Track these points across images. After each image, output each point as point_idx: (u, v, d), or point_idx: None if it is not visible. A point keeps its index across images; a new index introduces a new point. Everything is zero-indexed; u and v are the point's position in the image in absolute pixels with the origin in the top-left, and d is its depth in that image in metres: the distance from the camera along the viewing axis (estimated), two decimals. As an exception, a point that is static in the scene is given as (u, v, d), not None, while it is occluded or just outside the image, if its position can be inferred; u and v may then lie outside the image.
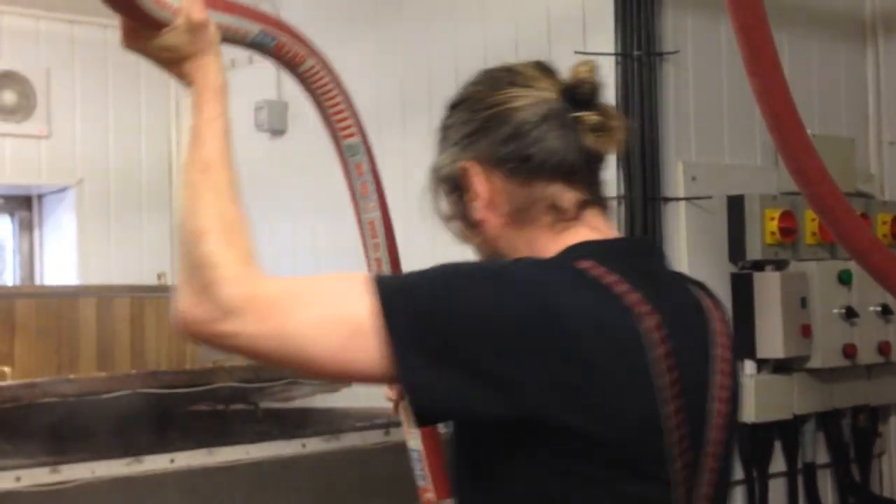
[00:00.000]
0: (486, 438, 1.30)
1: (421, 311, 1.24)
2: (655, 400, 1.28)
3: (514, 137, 1.39)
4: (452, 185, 1.47)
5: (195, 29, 1.39)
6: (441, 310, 1.24)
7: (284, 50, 1.89)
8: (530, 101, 1.41)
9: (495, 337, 1.22)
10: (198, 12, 1.39)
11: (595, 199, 1.42)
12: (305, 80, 2.03)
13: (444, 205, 1.50)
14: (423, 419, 1.30)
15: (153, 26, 1.38)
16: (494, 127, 1.41)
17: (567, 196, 1.39)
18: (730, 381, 1.41)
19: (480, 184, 1.41)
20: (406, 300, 1.25)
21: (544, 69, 1.49)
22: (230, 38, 1.61)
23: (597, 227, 1.40)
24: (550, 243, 1.37)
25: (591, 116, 1.39)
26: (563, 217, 1.38)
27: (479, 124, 1.43)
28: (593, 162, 1.42)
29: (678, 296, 1.40)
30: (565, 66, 1.37)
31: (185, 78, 1.40)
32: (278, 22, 1.92)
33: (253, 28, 1.71)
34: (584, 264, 1.30)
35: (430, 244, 4.14)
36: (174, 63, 1.40)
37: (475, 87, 1.50)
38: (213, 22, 1.41)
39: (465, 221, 1.46)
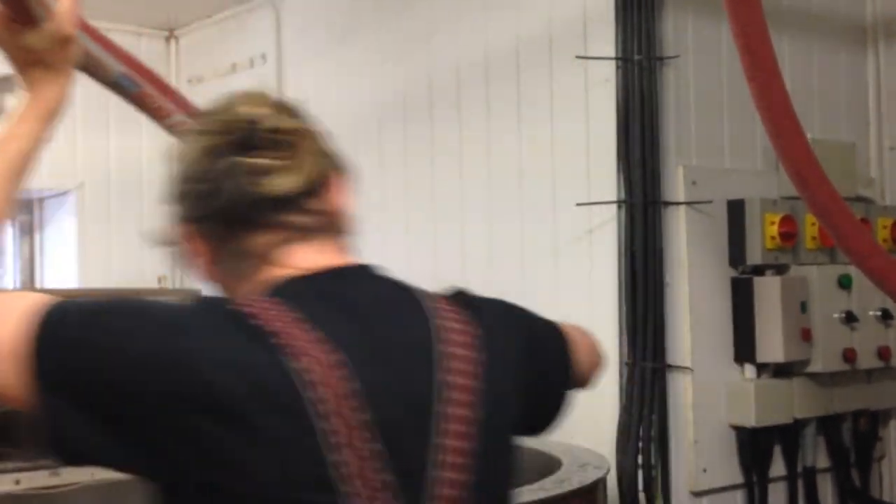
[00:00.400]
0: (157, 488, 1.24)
1: (67, 345, 1.18)
2: (319, 447, 1.17)
3: (204, 195, 1.35)
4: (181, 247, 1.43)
5: (61, 40, 1.36)
6: (84, 347, 1.18)
7: (149, 100, 1.87)
8: (213, 152, 1.35)
9: (125, 382, 1.16)
10: (69, 26, 1.35)
11: (291, 236, 1.34)
12: (172, 131, 2.01)
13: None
14: (64, 458, 1.22)
15: (24, 21, 1.36)
16: (191, 189, 1.37)
17: (261, 241, 1.33)
18: (473, 383, 1.31)
19: (194, 250, 1.38)
20: (59, 330, 1.19)
21: (235, 120, 1.37)
22: (93, 69, 1.62)
23: (293, 265, 1.33)
24: (248, 285, 1.34)
25: (258, 162, 1.33)
26: (262, 261, 1.34)
27: (182, 186, 1.39)
28: (278, 201, 1.33)
29: (384, 322, 1.32)
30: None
31: (27, 84, 1.39)
32: (150, 74, 1.91)
33: (116, 67, 1.71)
34: (244, 305, 1.24)
35: (431, 241, 4.17)
36: (26, 65, 1.38)
37: (183, 144, 1.44)
38: (79, 43, 1.39)
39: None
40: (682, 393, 3.31)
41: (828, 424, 3.58)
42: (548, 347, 1.58)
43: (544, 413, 1.59)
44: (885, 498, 3.80)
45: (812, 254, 3.53)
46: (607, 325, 3.36)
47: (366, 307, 1.33)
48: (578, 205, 3.43)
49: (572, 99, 3.51)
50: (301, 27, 4.70)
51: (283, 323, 1.22)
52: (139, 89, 1.88)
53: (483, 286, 4.26)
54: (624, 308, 3.29)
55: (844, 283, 3.50)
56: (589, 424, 3.40)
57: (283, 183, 1.33)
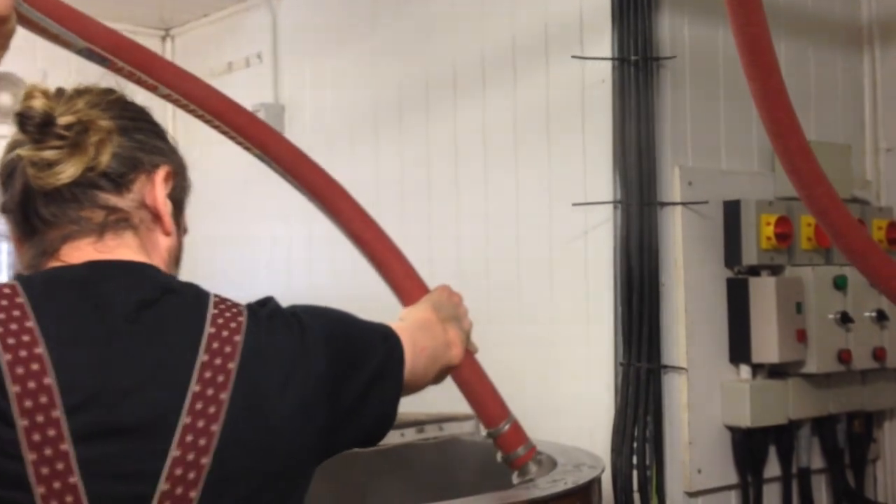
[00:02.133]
0: None
1: None
2: (18, 444, 1.16)
3: (3, 193, 1.38)
4: None
5: None
6: None
7: (124, 73, 1.86)
8: (7, 149, 1.37)
9: None
10: (4, 5, 1.25)
11: (78, 230, 1.33)
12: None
13: None
14: None
15: None
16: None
17: (49, 237, 1.34)
18: (224, 395, 1.25)
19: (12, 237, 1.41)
20: None
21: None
22: (58, 41, 1.59)
23: (63, 259, 1.33)
24: None
25: (34, 154, 1.31)
26: (44, 257, 1.34)
27: None
28: (63, 192, 1.32)
29: (119, 321, 1.26)
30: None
31: None
32: (119, 44, 1.88)
33: (79, 43, 1.69)
34: None
35: (426, 241, 4.16)
36: None
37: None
38: (14, 21, 1.28)
39: None
40: (678, 393, 3.31)
41: (823, 425, 3.58)
42: (362, 363, 1.44)
43: (363, 431, 1.47)
44: (880, 499, 3.80)
45: (807, 255, 3.53)
46: (603, 325, 3.36)
47: (121, 305, 1.28)
48: (574, 205, 3.43)
49: (569, 99, 3.51)
50: (297, 27, 4.70)
51: (5, 315, 1.21)
52: (108, 63, 1.87)
53: (479, 286, 4.28)
54: (619, 308, 3.29)
55: (840, 283, 3.50)
56: (584, 424, 3.41)
57: (66, 172, 1.31)
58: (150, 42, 5.38)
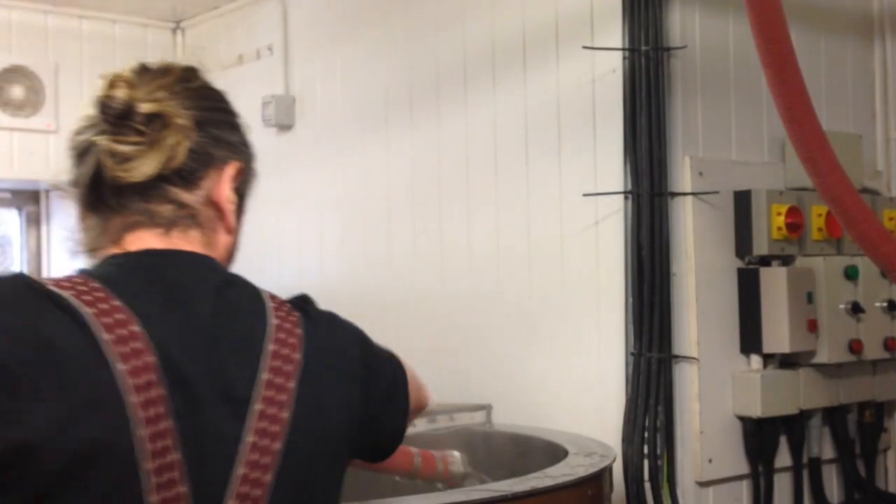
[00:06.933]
0: None
1: None
2: (127, 420, 1.16)
3: (71, 170, 1.37)
4: None
5: None
6: None
7: None
8: (79, 133, 1.36)
9: None
10: None
11: (144, 221, 1.33)
12: None
13: None
14: None
15: None
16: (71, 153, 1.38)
17: (113, 222, 1.35)
18: (291, 383, 1.29)
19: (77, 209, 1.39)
20: None
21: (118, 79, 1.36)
22: None
23: (127, 248, 1.34)
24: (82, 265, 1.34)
25: (112, 146, 1.31)
26: (105, 242, 1.35)
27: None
28: (137, 185, 1.32)
29: (202, 307, 1.29)
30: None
31: None
32: None
33: None
34: (66, 281, 1.24)
35: (437, 233, 4.17)
36: None
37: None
38: None
39: None
40: (688, 383, 3.31)
41: (833, 415, 3.59)
42: (384, 374, 1.48)
43: (381, 440, 1.51)
44: (891, 489, 3.80)
45: (818, 245, 3.53)
46: (614, 315, 3.37)
47: (191, 288, 1.31)
48: (585, 195, 3.44)
49: (579, 89, 3.51)
50: (308, 18, 4.71)
51: (92, 297, 1.21)
52: None
53: (490, 277, 4.29)
54: (630, 298, 3.29)
55: (851, 273, 3.50)
56: (595, 414, 3.41)
57: (141, 168, 1.31)
58: (161, 34, 5.40)
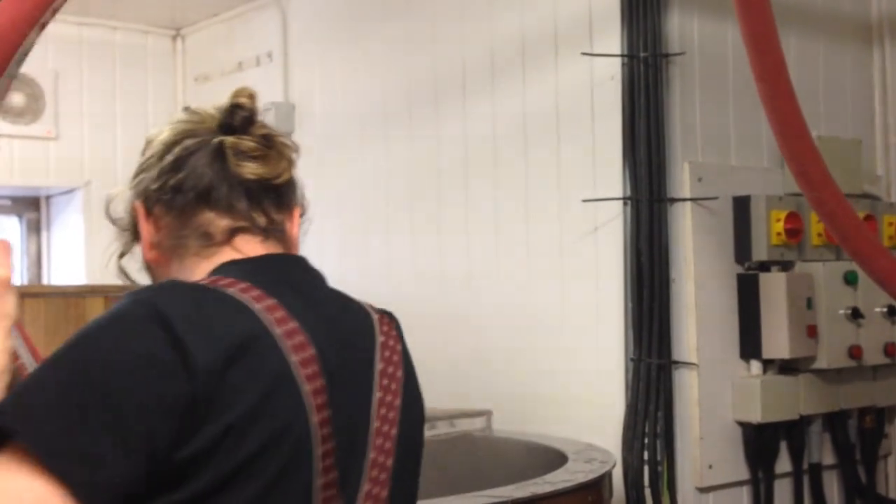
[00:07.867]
0: None
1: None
2: (304, 408, 1.23)
3: (168, 170, 1.39)
4: (132, 230, 1.46)
5: None
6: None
7: None
8: (185, 134, 1.40)
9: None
10: (4, 267, 1.17)
11: (249, 227, 1.39)
12: None
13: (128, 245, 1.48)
14: None
15: None
16: (154, 164, 1.41)
17: (218, 224, 1.38)
18: (398, 401, 1.38)
19: (143, 226, 1.42)
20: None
21: (217, 109, 1.44)
22: None
23: (241, 250, 1.38)
24: (197, 268, 1.37)
25: (239, 142, 1.38)
26: (211, 242, 1.38)
27: (143, 162, 1.43)
28: (248, 188, 1.38)
29: (329, 308, 1.38)
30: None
31: None
32: None
33: None
34: (222, 281, 1.28)
35: (436, 239, 4.17)
36: None
37: (156, 130, 1.47)
38: (13, 296, 1.17)
39: (142, 260, 1.46)
40: (688, 389, 3.31)
41: (834, 421, 3.59)
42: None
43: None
44: (891, 494, 3.80)
45: (818, 250, 3.53)
46: (613, 321, 3.37)
47: (312, 291, 1.39)
48: (584, 201, 3.44)
49: (578, 96, 3.51)
50: (307, 25, 4.71)
51: (256, 294, 1.27)
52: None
53: (489, 281, 4.29)
54: (630, 304, 3.30)
55: (850, 279, 3.50)
56: (595, 420, 3.41)
57: (259, 169, 1.38)
58: (161, 42, 5.41)
